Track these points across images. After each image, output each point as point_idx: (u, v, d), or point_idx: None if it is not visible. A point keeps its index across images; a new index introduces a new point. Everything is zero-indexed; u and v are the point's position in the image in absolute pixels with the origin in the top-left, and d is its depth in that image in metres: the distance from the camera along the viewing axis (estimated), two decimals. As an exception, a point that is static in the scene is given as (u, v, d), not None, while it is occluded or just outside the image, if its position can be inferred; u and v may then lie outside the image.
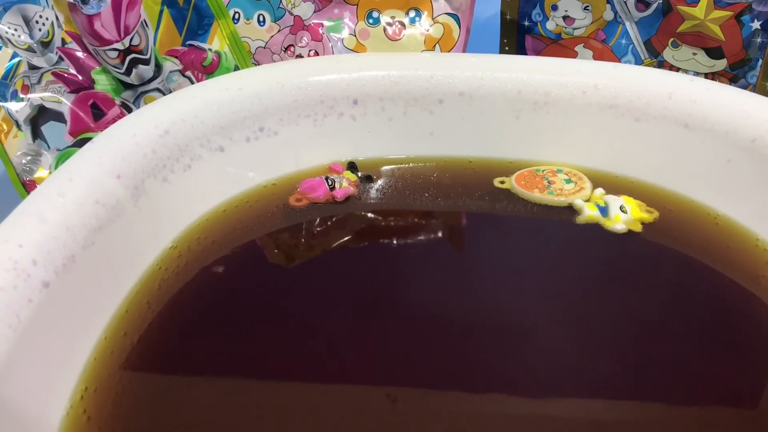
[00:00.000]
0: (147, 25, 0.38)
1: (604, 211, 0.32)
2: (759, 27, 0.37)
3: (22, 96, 0.38)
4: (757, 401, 0.24)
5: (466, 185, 0.35)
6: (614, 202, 0.32)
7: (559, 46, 0.42)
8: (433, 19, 0.39)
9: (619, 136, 0.34)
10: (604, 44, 0.41)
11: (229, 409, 0.24)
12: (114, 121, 0.38)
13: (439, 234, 0.33)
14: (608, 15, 0.40)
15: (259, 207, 0.34)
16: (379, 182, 0.35)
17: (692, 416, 0.24)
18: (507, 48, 0.44)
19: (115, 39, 0.38)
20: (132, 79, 0.39)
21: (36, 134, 0.39)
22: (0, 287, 0.22)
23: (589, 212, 0.32)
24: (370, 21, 0.39)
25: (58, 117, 0.39)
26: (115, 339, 0.26)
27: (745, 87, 0.39)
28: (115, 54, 0.38)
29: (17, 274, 0.23)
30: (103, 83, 0.39)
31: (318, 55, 0.40)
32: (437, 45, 0.39)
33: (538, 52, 0.43)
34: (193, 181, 0.32)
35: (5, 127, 0.38)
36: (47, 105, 0.39)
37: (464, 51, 0.40)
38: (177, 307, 0.28)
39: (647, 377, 0.25)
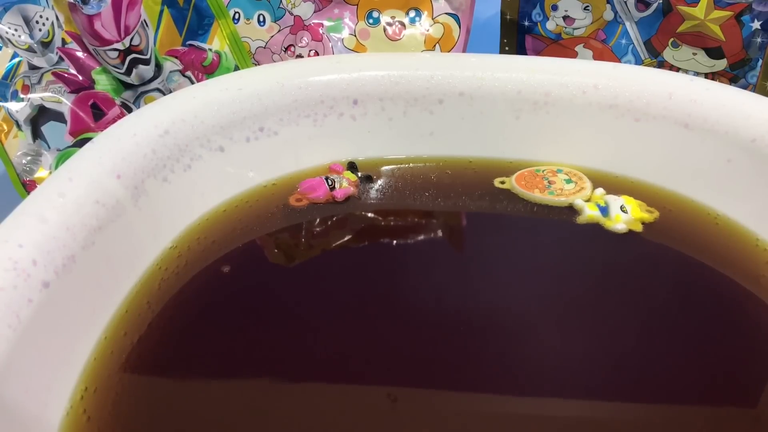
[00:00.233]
0: (147, 25, 0.38)
1: (604, 211, 0.32)
2: (759, 27, 0.37)
3: (22, 96, 0.38)
4: (757, 401, 0.24)
5: (466, 185, 0.35)
6: (615, 202, 0.32)
7: (559, 46, 0.42)
8: (433, 19, 0.39)
9: (619, 136, 0.34)
10: (604, 44, 0.41)
11: (229, 409, 0.24)
12: (114, 121, 0.38)
13: (440, 234, 0.33)
14: (608, 15, 0.40)
15: (259, 207, 0.34)
16: (379, 182, 0.35)
17: (692, 416, 0.24)
18: (507, 48, 0.44)
19: (115, 39, 0.38)
20: (132, 79, 0.39)
21: (36, 134, 0.39)
22: (0, 287, 0.22)
23: (590, 212, 0.32)
24: (370, 21, 0.39)
25: (59, 117, 0.39)
26: (115, 339, 0.26)
27: (745, 87, 0.39)
28: (115, 54, 0.38)
29: (17, 274, 0.23)
30: (103, 83, 0.39)
31: (318, 55, 0.40)
32: (437, 45, 0.39)
33: (538, 52, 0.43)
34: (193, 181, 0.32)
35: (5, 127, 0.38)
36: (47, 105, 0.39)
37: (464, 51, 0.40)
38: (177, 307, 0.28)
39: (647, 377, 0.25)
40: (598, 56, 0.42)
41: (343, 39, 0.40)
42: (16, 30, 0.38)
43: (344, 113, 0.36)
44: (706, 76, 0.40)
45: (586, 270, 0.30)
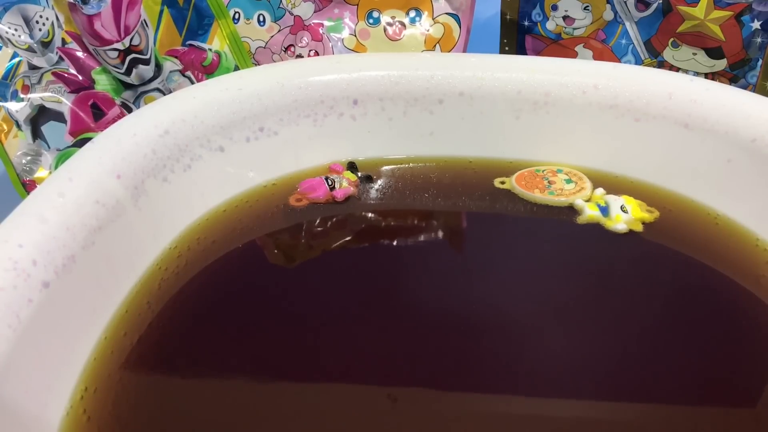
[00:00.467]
0: (147, 25, 0.38)
1: (604, 211, 0.32)
2: (759, 27, 0.37)
3: (22, 96, 0.38)
4: (757, 401, 0.24)
5: (466, 185, 0.35)
6: (615, 201, 0.32)
7: (559, 46, 0.42)
8: (433, 19, 0.39)
9: (619, 136, 0.34)
10: (604, 44, 0.41)
11: (230, 409, 0.24)
12: (114, 121, 0.38)
13: (440, 234, 0.33)
14: (608, 15, 0.40)
15: (259, 207, 0.33)
16: (379, 182, 0.35)
17: (692, 416, 0.24)
18: (507, 48, 0.44)
19: (115, 39, 0.38)
20: (132, 79, 0.39)
21: (36, 134, 0.39)
22: (0, 287, 0.22)
23: (590, 212, 0.32)
24: (371, 21, 0.39)
25: (58, 117, 0.39)
26: (115, 339, 0.26)
27: (745, 87, 0.39)
28: (115, 54, 0.38)
29: (17, 274, 0.23)
30: (103, 83, 0.39)
31: (318, 55, 0.40)
32: (437, 45, 0.39)
33: (538, 52, 0.43)
34: (193, 181, 0.32)
35: (5, 127, 0.38)
36: (47, 105, 0.39)
37: (464, 51, 0.40)
38: (177, 307, 0.28)
39: (647, 377, 0.25)
40: (598, 56, 0.42)
41: (343, 39, 0.40)
42: (16, 30, 0.38)
43: (344, 113, 0.36)
44: (706, 76, 0.40)
45: (587, 270, 0.30)
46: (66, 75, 0.39)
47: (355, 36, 0.40)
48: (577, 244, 0.31)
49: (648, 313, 0.28)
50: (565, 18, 0.41)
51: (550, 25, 0.42)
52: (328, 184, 0.34)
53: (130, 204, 0.29)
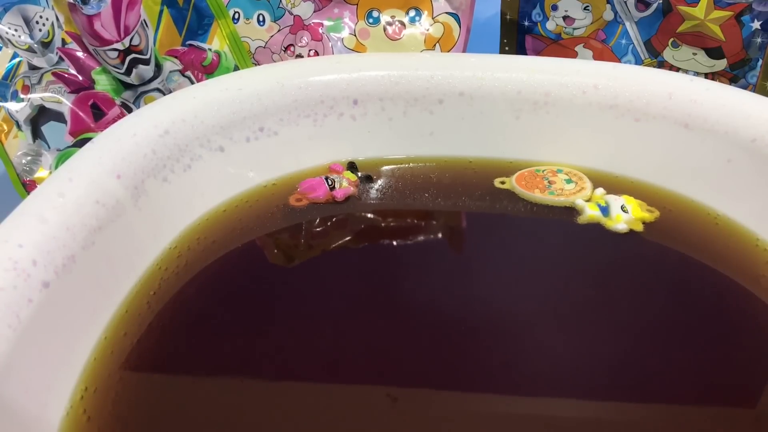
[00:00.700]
0: (147, 25, 0.38)
1: (605, 210, 0.32)
2: (759, 27, 0.37)
3: (22, 96, 0.38)
4: (757, 401, 0.24)
5: (466, 185, 0.35)
6: (615, 201, 0.32)
7: (559, 46, 0.42)
8: (433, 18, 0.39)
9: (619, 136, 0.34)
10: (604, 44, 0.41)
11: (229, 408, 0.24)
12: (114, 121, 0.38)
13: (440, 234, 0.33)
14: (608, 15, 0.40)
15: (259, 207, 0.33)
16: (379, 182, 0.35)
17: (692, 416, 0.24)
18: (507, 48, 0.44)
19: (115, 39, 0.38)
20: (132, 79, 0.39)
21: (36, 134, 0.39)
22: (0, 287, 0.22)
23: (591, 212, 0.32)
24: (370, 20, 0.39)
25: (58, 117, 0.39)
26: (115, 339, 0.26)
27: (745, 87, 0.39)
28: (115, 54, 0.38)
29: (17, 274, 0.23)
30: (103, 83, 0.39)
31: (318, 54, 0.40)
32: (437, 44, 0.39)
33: (538, 52, 0.43)
34: (193, 181, 0.32)
35: (5, 127, 0.38)
36: (47, 105, 0.39)
37: (464, 50, 0.40)
38: (177, 307, 0.28)
39: (647, 376, 0.25)
40: (598, 56, 0.42)
41: (342, 39, 0.40)
42: (16, 30, 0.38)
43: (344, 113, 0.36)
44: (706, 76, 0.40)
45: (587, 270, 0.30)
46: (66, 75, 0.39)
47: (355, 35, 0.40)
48: (578, 244, 0.31)
49: (648, 312, 0.28)
50: (565, 18, 0.41)
51: (550, 25, 0.42)
52: (328, 184, 0.34)
53: (130, 204, 0.29)
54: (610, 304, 0.28)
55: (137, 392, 0.24)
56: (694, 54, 0.39)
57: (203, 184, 0.33)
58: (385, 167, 0.36)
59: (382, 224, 0.33)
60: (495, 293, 0.29)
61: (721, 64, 0.39)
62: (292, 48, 0.40)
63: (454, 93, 0.36)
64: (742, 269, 0.29)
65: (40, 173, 0.39)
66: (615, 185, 0.34)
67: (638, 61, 0.41)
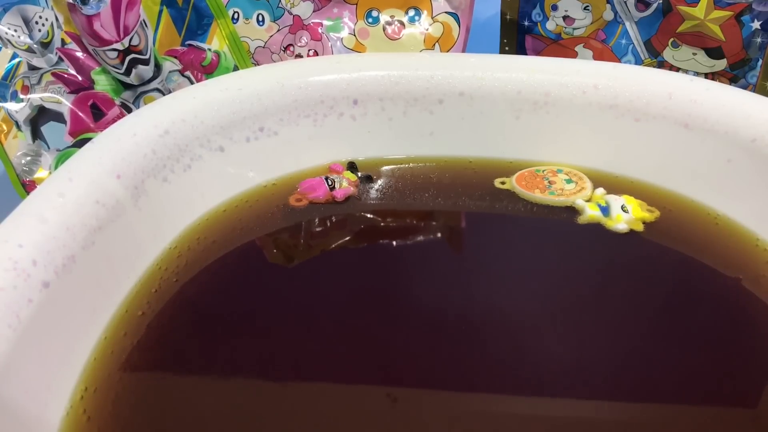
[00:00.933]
0: (146, 26, 0.38)
1: (605, 210, 0.32)
2: (759, 27, 0.37)
3: (21, 96, 0.38)
4: (757, 401, 0.24)
5: (466, 185, 0.35)
6: (615, 201, 0.32)
7: (559, 46, 0.42)
8: (432, 18, 0.39)
9: (619, 136, 0.34)
10: (604, 44, 0.41)
11: (229, 408, 0.24)
12: (114, 121, 0.37)
13: (440, 234, 0.33)
14: (608, 15, 0.40)
15: (259, 207, 0.33)
16: (379, 182, 0.35)
17: (692, 416, 0.24)
18: (507, 48, 0.44)
19: (114, 39, 0.38)
20: (131, 79, 0.39)
21: (36, 135, 0.39)
22: (0, 287, 0.22)
23: (591, 212, 0.32)
24: (370, 20, 0.39)
25: (58, 117, 0.39)
26: (115, 339, 0.26)
27: (745, 87, 0.39)
28: (114, 54, 0.38)
29: (17, 274, 0.23)
30: (102, 83, 0.39)
31: (317, 54, 0.40)
32: (437, 44, 0.39)
33: (538, 52, 0.43)
34: (193, 181, 0.32)
35: (5, 127, 0.38)
36: (47, 105, 0.39)
37: (464, 50, 0.40)
38: (177, 307, 0.28)
39: (648, 376, 0.25)
40: (598, 56, 0.42)
41: (342, 38, 0.40)
42: (15, 30, 0.38)
43: (344, 113, 0.36)
44: (706, 76, 0.40)
45: (588, 270, 0.30)
46: (66, 75, 0.39)
47: (355, 35, 0.40)
48: (578, 244, 0.31)
49: (648, 312, 0.28)
50: (565, 18, 0.41)
51: (550, 25, 0.42)
52: (328, 184, 0.34)
53: (130, 204, 0.29)
54: (610, 304, 0.28)
55: (137, 392, 0.24)
56: (694, 54, 0.39)
57: (203, 184, 0.33)
58: (385, 167, 0.36)
59: (382, 224, 0.33)
60: (495, 293, 0.29)
61: (721, 64, 0.39)
62: (291, 48, 0.40)
63: (454, 93, 0.36)
64: (742, 269, 0.29)
65: (40, 173, 0.39)
66: (615, 185, 0.34)
67: (638, 61, 0.41)
